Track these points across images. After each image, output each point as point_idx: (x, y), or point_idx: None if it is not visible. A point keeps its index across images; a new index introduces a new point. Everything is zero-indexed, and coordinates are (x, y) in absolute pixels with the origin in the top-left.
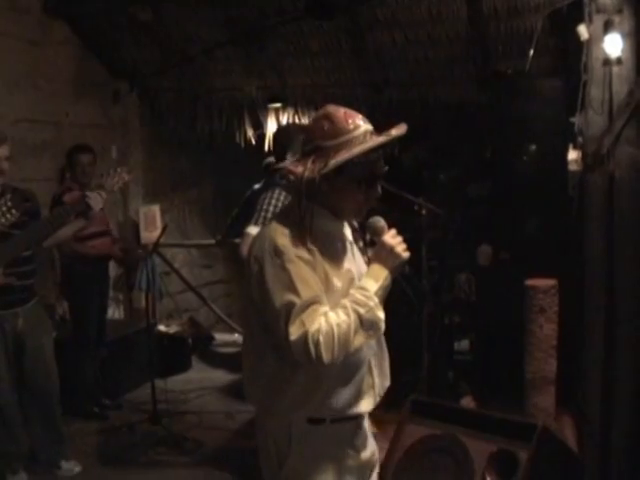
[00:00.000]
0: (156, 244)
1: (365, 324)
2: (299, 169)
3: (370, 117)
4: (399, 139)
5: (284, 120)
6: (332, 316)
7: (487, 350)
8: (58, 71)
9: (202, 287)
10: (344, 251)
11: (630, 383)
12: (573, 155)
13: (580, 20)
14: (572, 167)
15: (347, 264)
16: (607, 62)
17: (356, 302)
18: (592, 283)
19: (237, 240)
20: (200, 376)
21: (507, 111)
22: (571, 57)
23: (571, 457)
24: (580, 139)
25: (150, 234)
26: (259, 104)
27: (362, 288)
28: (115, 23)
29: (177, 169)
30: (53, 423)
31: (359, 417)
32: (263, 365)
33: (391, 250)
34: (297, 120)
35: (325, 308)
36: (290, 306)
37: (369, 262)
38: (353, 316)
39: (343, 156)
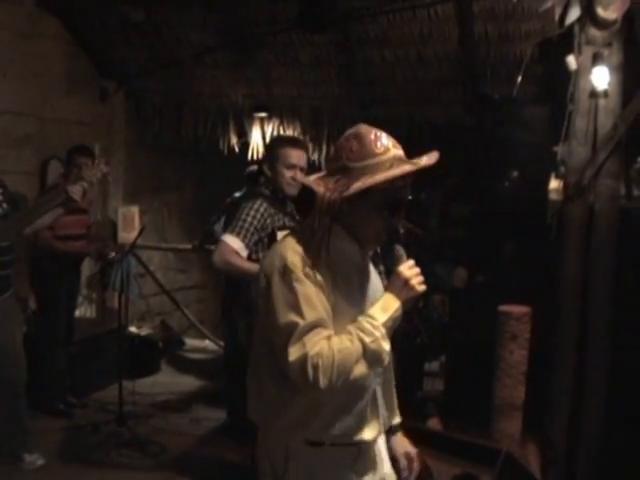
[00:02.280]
0: (133, 245)
1: (368, 354)
2: (321, 188)
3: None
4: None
5: (269, 130)
6: (335, 341)
7: (457, 372)
8: (46, 65)
9: (176, 291)
10: (359, 275)
11: (598, 413)
12: (554, 184)
13: (569, 50)
14: (553, 196)
15: (360, 288)
16: (594, 94)
17: (362, 330)
18: (565, 312)
19: (212, 247)
20: (168, 380)
21: (492, 135)
22: (558, 87)
23: None
24: (562, 168)
25: (128, 235)
26: (245, 112)
27: (371, 317)
28: (106, 21)
29: (159, 172)
30: (18, 415)
31: (360, 444)
32: (265, 382)
33: (406, 282)
34: (282, 130)
35: (329, 332)
36: (293, 326)
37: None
38: (357, 344)
39: (367, 181)
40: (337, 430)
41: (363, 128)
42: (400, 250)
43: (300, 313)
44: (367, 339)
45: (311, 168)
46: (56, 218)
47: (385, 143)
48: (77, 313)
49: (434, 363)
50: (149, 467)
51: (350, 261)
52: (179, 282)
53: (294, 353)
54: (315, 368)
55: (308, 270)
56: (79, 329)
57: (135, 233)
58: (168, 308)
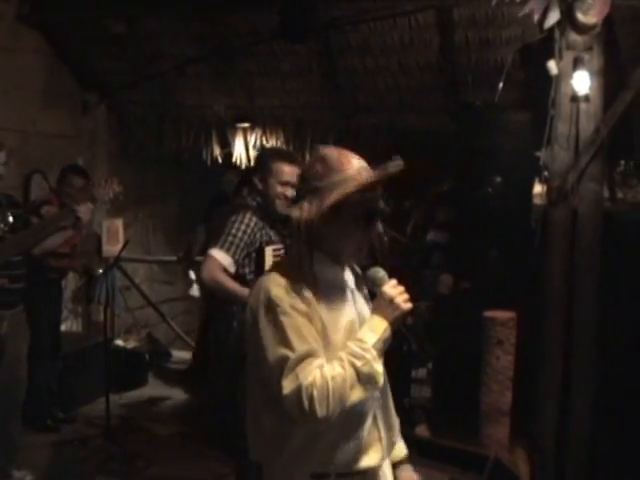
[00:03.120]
0: (117, 258)
1: (362, 378)
2: (296, 213)
3: (338, 142)
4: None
5: (252, 140)
6: (327, 369)
7: (444, 379)
8: (28, 79)
9: (162, 303)
10: (344, 299)
11: (585, 417)
12: (538, 189)
13: (550, 56)
14: (537, 201)
15: (347, 313)
16: (575, 98)
17: (353, 355)
18: (551, 317)
19: (199, 258)
20: (156, 393)
21: (474, 142)
22: (540, 92)
23: None
24: (545, 173)
25: (112, 248)
26: (227, 123)
27: (360, 340)
28: (87, 34)
29: (142, 184)
30: (8, 431)
31: (366, 471)
32: (263, 418)
33: (391, 301)
34: (265, 141)
35: (320, 361)
36: (284, 360)
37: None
38: (349, 369)
39: (338, 193)
40: (341, 459)
41: (325, 149)
42: (380, 271)
43: (289, 346)
44: (359, 363)
45: None
46: (69, 238)
47: (348, 158)
48: (63, 327)
49: (421, 370)
50: None
51: (334, 285)
52: (165, 294)
53: (288, 386)
54: (310, 399)
55: (293, 301)
56: (65, 343)
57: (119, 246)
58: (154, 320)
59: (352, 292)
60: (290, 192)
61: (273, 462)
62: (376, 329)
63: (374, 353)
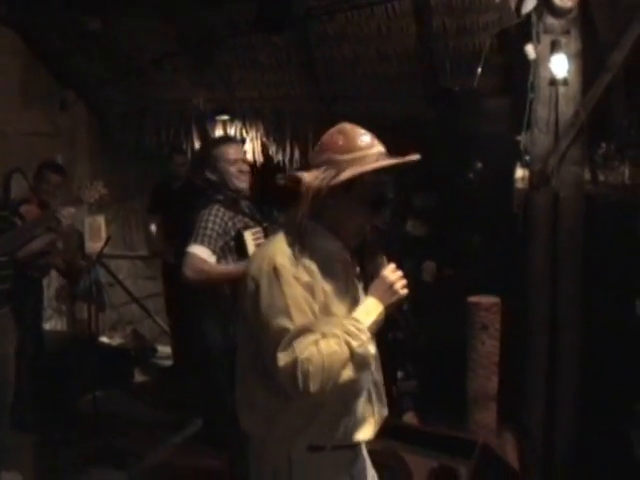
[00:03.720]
0: (100, 255)
1: (356, 358)
2: (308, 178)
3: (318, 131)
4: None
5: (232, 133)
6: (323, 346)
7: (431, 366)
8: (5, 79)
9: (146, 299)
10: (344, 273)
11: (572, 400)
12: (520, 173)
13: (528, 40)
14: (518, 185)
15: (347, 287)
16: (553, 82)
17: (349, 334)
18: (535, 300)
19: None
20: (142, 389)
21: (454, 128)
22: (518, 76)
23: (511, 473)
24: (527, 157)
25: (95, 245)
26: (207, 116)
27: (356, 320)
28: (64, 32)
29: (123, 180)
30: None
31: (358, 445)
32: (256, 392)
33: (390, 286)
34: (245, 133)
35: (317, 336)
36: (282, 331)
37: (366, 293)
38: (345, 348)
39: (356, 170)
40: (336, 433)
41: (347, 125)
42: (382, 257)
43: (290, 317)
44: (354, 343)
45: (275, 169)
46: (51, 242)
47: (369, 139)
48: (47, 326)
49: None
50: (127, 478)
51: (335, 259)
52: (149, 289)
53: (284, 358)
54: (305, 374)
55: (297, 272)
56: (49, 342)
57: (102, 243)
58: (139, 316)
59: (351, 265)
60: (244, 167)
61: (267, 436)
62: (372, 311)
63: (368, 335)
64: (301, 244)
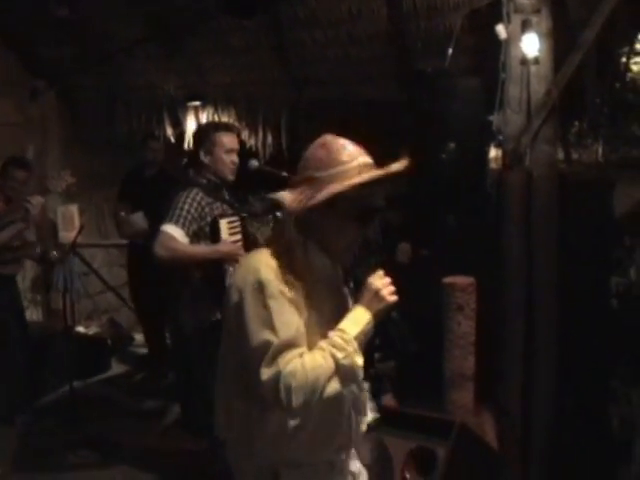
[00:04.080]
0: (73, 244)
1: (341, 371)
2: (287, 199)
3: (290, 115)
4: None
5: (204, 118)
6: (307, 360)
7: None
8: None
9: (121, 287)
10: (331, 291)
11: (549, 378)
12: (494, 153)
13: (499, 20)
14: (493, 165)
15: (333, 305)
16: (525, 61)
17: (334, 346)
18: (511, 280)
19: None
20: (119, 378)
21: (426, 109)
22: (490, 56)
23: (489, 452)
24: (500, 137)
25: (68, 234)
26: (178, 103)
27: (342, 331)
28: (33, 20)
29: (96, 168)
30: None
31: (336, 459)
32: (235, 401)
33: (376, 293)
34: (217, 118)
35: (302, 350)
36: (266, 345)
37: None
38: (329, 361)
39: (331, 189)
40: (311, 452)
41: (330, 137)
42: (368, 262)
43: (274, 331)
44: (339, 355)
45: (248, 154)
46: (19, 231)
47: (352, 151)
48: None
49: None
50: (107, 466)
51: (322, 275)
52: (124, 278)
53: (267, 372)
54: (288, 388)
55: (282, 286)
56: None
57: (76, 232)
58: (115, 305)
59: (338, 283)
60: (236, 159)
61: (241, 447)
62: (359, 321)
63: (355, 345)
64: (288, 259)
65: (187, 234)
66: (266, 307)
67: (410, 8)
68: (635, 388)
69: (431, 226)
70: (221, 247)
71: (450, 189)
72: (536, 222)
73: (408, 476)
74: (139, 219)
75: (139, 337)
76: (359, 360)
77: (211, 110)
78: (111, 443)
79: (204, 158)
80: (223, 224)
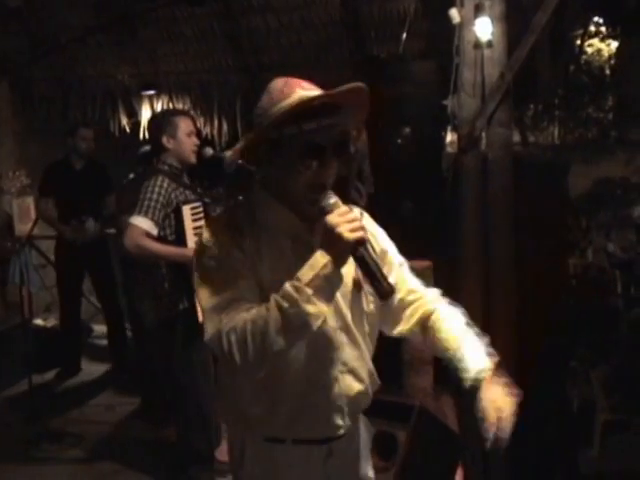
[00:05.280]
0: (29, 236)
1: (286, 322)
2: (228, 152)
3: (245, 102)
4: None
5: (158, 107)
6: (251, 313)
7: None
8: None
9: None
10: (292, 249)
11: (507, 358)
12: (449, 137)
13: (452, 4)
14: (449, 149)
15: (292, 264)
16: (478, 45)
17: (283, 296)
18: (467, 262)
19: (110, 230)
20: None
21: (381, 94)
22: (443, 40)
23: (450, 435)
24: (455, 121)
25: (25, 226)
26: (133, 92)
27: (296, 279)
28: None
29: (51, 159)
30: None
31: (330, 441)
32: (221, 375)
33: (331, 230)
34: (171, 107)
35: (247, 305)
36: (211, 304)
37: None
38: (274, 312)
39: (264, 123)
40: (296, 427)
41: (276, 79)
42: (332, 198)
43: (217, 291)
44: (285, 304)
45: (204, 142)
46: None
47: (292, 86)
48: None
49: None
50: (69, 459)
51: (280, 231)
52: None
53: (210, 330)
54: (229, 343)
55: (227, 247)
56: None
57: (31, 224)
58: None
59: (308, 241)
60: (196, 140)
61: (227, 416)
62: (315, 265)
63: (309, 292)
64: (233, 218)
65: (157, 224)
66: (210, 268)
67: None
68: (594, 369)
69: (387, 211)
70: (188, 251)
71: (405, 174)
72: (492, 205)
73: None
74: (92, 226)
75: (98, 328)
76: (310, 307)
77: (166, 99)
78: (71, 435)
79: (167, 143)
80: (186, 210)
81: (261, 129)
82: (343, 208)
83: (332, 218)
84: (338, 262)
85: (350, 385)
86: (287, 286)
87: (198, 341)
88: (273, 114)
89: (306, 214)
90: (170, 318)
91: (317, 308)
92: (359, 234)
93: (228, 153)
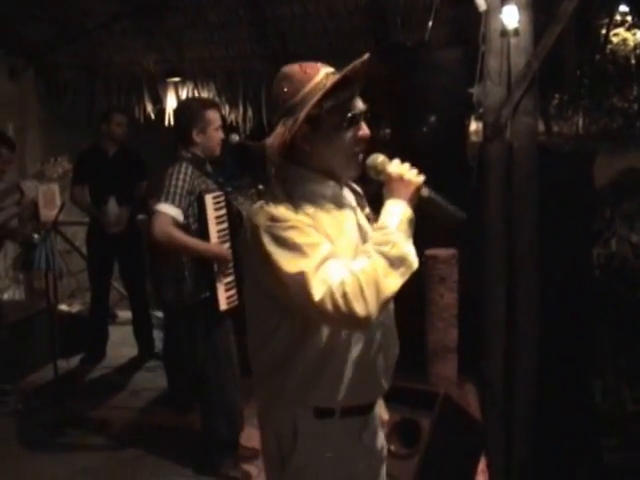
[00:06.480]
0: (55, 222)
1: (394, 262)
2: (269, 141)
3: (270, 90)
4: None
5: (183, 94)
6: (354, 265)
7: None
8: None
9: None
10: (345, 217)
11: (531, 349)
12: (474, 126)
13: None
14: (473, 138)
15: (350, 231)
16: (505, 33)
17: (377, 243)
18: (491, 252)
19: (140, 217)
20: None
21: (406, 83)
22: (470, 28)
23: (473, 424)
24: (480, 110)
25: (50, 212)
26: (158, 79)
27: (380, 227)
28: None
29: (76, 146)
30: None
31: (368, 409)
32: (263, 352)
33: (401, 178)
34: (196, 94)
35: (343, 260)
36: (303, 270)
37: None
38: (376, 257)
39: (308, 105)
40: (345, 392)
41: (285, 67)
42: (379, 157)
43: (305, 254)
44: (385, 248)
45: (229, 129)
46: (13, 215)
47: (311, 66)
48: (5, 296)
49: None
50: (93, 444)
51: (330, 203)
52: None
53: (317, 292)
54: (345, 297)
55: (296, 215)
56: (8, 312)
57: (57, 210)
58: None
59: (354, 210)
60: (222, 134)
61: (276, 392)
62: (394, 212)
63: (400, 235)
64: (289, 196)
65: (183, 211)
66: (288, 238)
67: None
68: (618, 360)
69: None
70: (214, 247)
71: (431, 162)
72: (517, 194)
73: (393, 448)
74: (114, 208)
75: (122, 314)
76: (408, 247)
77: (191, 86)
78: (96, 421)
79: (196, 137)
80: (208, 199)
81: (306, 109)
82: (396, 160)
83: (396, 169)
84: (411, 204)
85: (393, 343)
86: (377, 234)
87: (221, 329)
88: (310, 93)
89: (350, 177)
90: (192, 306)
91: (411, 247)
92: (422, 176)
93: (269, 140)
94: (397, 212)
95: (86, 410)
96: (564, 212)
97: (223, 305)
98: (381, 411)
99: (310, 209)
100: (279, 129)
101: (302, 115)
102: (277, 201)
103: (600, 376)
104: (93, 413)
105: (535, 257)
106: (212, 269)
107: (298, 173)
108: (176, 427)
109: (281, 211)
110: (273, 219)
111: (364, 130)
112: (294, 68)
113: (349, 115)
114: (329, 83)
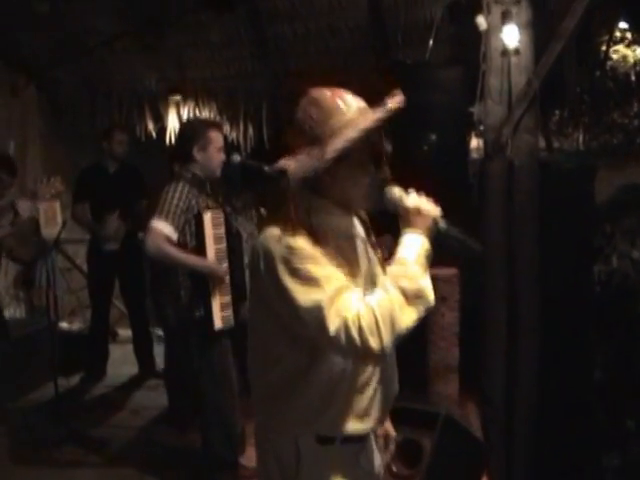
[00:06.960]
0: (56, 241)
1: (410, 296)
2: (292, 166)
3: (271, 108)
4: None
5: (185, 113)
6: (369, 298)
7: None
8: None
9: None
10: (357, 248)
11: (532, 369)
12: (474, 143)
13: (479, 10)
14: (474, 155)
15: (362, 262)
16: (505, 52)
17: (395, 276)
18: (493, 269)
19: (141, 234)
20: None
21: (407, 101)
22: (470, 47)
23: (475, 443)
24: (481, 128)
25: (51, 230)
26: (159, 97)
27: (398, 260)
28: (12, 15)
29: (77, 164)
30: None
31: (367, 437)
32: (269, 375)
33: (418, 211)
34: (198, 112)
35: (358, 293)
36: (318, 303)
37: (400, 234)
38: (393, 291)
39: (341, 141)
40: (349, 421)
41: (316, 92)
42: (395, 189)
43: (320, 287)
44: (402, 282)
45: (230, 147)
46: (6, 234)
47: (344, 98)
48: (6, 314)
49: None
50: (93, 463)
51: (342, 235)
52: None
53: (332, 325)
54: (360, 330)
55: (311, 247)
56: (9, 329)
57: (58, 228)
58: None
59: (363, 241)
60: (223, 156)
61: (277, 421)
62: (412, 244)
63: (417, 268)
64: (310, 226)
65: (176, 229)
66: (303, 269)
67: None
68: (619, 376)
69: None
70: (211, 264)
71: (431, 180)
72: (518, 211)
73: (395, 469)
74: (114, 222)
75: (123, 332)
76: (425, 282)
77: (192, 104)
78: (96, 439)
79: (197, 154)
80: (207, 218)
81: (339, 147)
82: (412, 192)
83: (412, 201)
84: (429, 236)
85: (394, 377)
86: (394, 267)
87: (217, 348)
88: (341, 128)
89: (364, 209)
90: (188, 324)
91: (428, 282)
92: (438, 208)
93: (292, 165)
94: (415, 245)
95: (86, 428)
96: (565, 228)
97: (218, 324)
98: (388, 427)
99: (328, 241)
100: (304, 158)
101: (334, 153)
102: (296, 231)
103: (601, 393)
104: (93, 431)
105: (536, 274)
106: (207, 288)
107: (319, 204)
108: (177, 446)
109: (299, 242)
110: (290, 249)
111: (386, 172)
112: (325, 94)
113: (374, 155)
114: (364, 123)
